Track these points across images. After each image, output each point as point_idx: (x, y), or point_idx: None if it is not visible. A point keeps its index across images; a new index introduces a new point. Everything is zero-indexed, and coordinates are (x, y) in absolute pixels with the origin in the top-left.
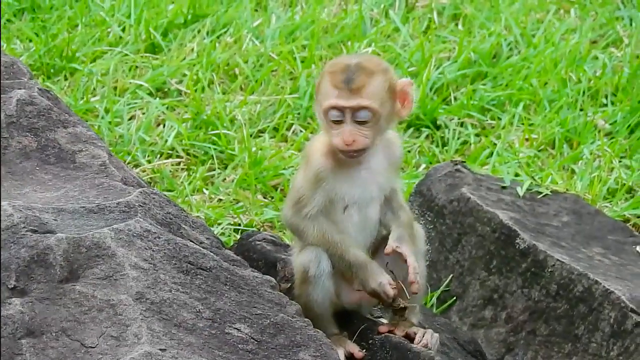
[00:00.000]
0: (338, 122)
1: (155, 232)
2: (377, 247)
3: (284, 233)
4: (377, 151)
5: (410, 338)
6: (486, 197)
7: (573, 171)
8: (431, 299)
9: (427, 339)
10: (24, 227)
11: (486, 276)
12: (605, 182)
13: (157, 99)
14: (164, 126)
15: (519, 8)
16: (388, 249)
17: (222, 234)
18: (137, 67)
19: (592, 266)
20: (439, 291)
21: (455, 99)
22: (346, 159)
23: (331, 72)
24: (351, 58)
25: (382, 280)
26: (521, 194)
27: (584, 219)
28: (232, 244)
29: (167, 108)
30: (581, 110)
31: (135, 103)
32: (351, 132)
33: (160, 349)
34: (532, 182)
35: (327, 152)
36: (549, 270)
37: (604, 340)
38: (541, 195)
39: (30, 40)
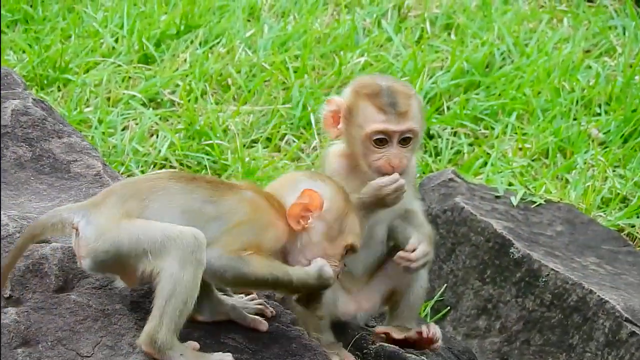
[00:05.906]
0: (381, 146)
1: None
2: (379, 266)
3: None
4: None
5: (408, 343)
6: (480, 206)
7: (567, 180)
8: (425, 309)
9: (433, 332)
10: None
11: (480, 286)
12: (599, 191)
13: (150, 109)
14: (157, 136)
15: (512, 17)
16: (409, 246)
17: None
18: (130, 77)
19: (587, 275)
20: (433, 301)
21: (448, 108)
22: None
23: (369, 94)
24: (376, 79)
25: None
26: (515, 203)
27: (578, 229)
28: None
29: (160, 118)
30: (575, 119)
31: (129, 114)
32: (398, 155)
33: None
34: (525, 192)
35: (342, 156)
36: (543, 279)
37: (599, 349)
38: (535, 205)
39: (24, 52)
